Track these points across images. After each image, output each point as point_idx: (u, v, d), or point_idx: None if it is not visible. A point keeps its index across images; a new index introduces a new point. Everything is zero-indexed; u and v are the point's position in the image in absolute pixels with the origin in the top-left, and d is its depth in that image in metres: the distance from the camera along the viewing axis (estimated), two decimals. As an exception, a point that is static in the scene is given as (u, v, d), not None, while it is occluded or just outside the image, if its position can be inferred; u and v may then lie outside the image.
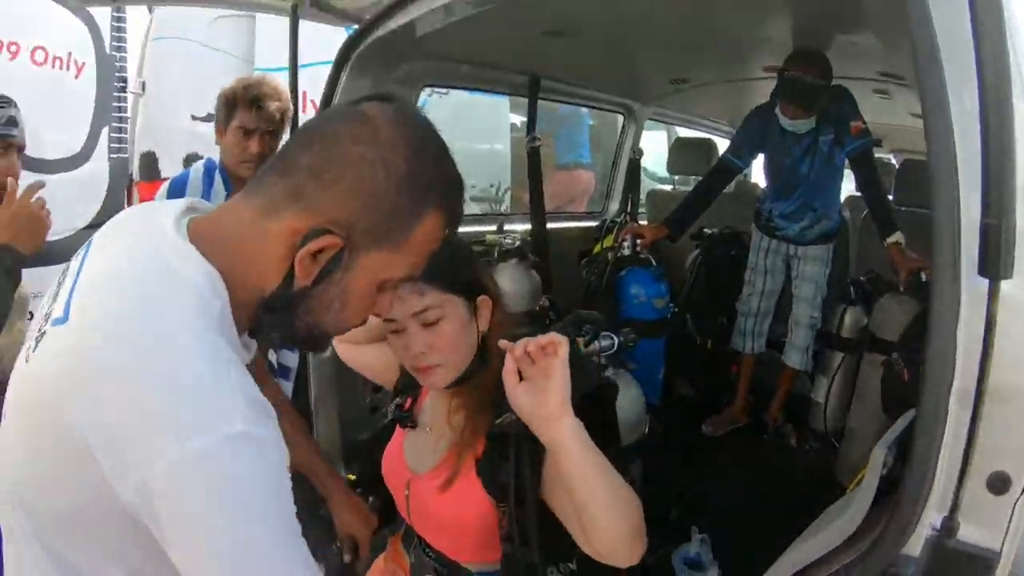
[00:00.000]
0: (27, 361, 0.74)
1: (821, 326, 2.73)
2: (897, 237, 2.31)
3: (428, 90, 2.93)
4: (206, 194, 2.03)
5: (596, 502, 0.95)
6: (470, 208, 3.48)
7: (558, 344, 0.93)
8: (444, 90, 3.45)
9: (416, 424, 1.34)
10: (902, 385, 1.97)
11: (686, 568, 2.00)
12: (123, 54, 2.95)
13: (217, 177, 2.08)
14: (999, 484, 0.79)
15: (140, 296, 0.68)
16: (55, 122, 2.57)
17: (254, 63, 3.60)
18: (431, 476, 1.23)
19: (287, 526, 0.70)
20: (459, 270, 1.16)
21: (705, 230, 3.08)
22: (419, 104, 2.57)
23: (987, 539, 0.81)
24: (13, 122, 1.56)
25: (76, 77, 2.61)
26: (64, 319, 0.69)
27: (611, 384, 1.36)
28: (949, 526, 0.80)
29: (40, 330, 0.74)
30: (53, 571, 0.77)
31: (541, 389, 0.93)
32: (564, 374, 0.93)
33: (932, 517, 0.81)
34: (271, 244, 0.72)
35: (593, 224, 3.35)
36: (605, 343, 1.39)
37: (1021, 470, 0.79)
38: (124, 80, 3.06)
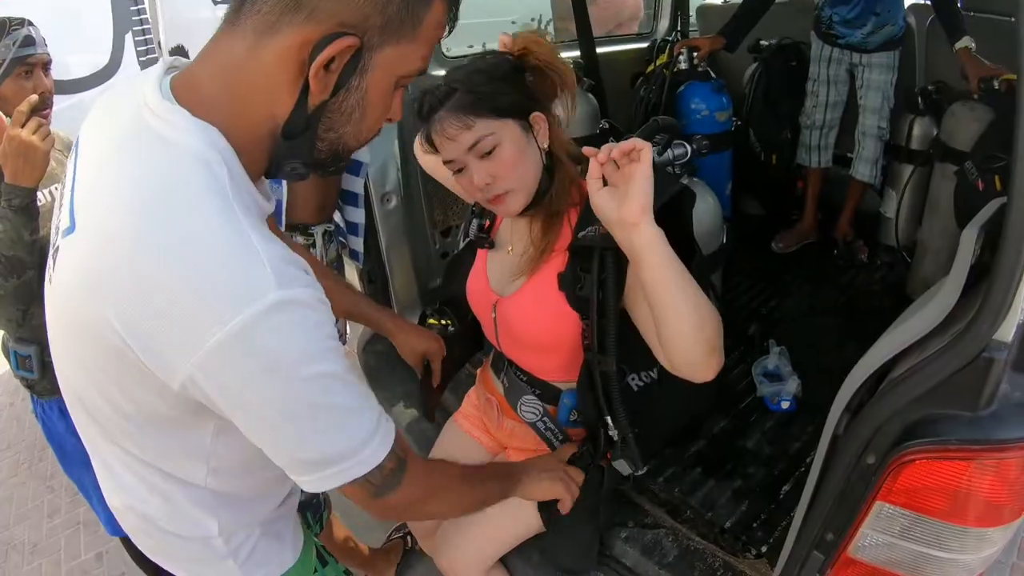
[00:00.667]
0: (50, 281, 0.74)
1: (889, 138, 2.63)
2: (967, 42, 2.20)
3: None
4: None
5: (676, 313, 0.97)
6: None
7: (641, 149, 0.92)
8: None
9: (494, 244, 1.39)
10: (976, 194, 1.94)
11: (766, 380, 2.06)
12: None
13: None
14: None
15: (139, 186, 0.64)
16: (75, 40, 2.54)
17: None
18: (517, 295, 1.29)
19: (340, 371, 0.70)
20: (502, 92, 1.15)
21: (762, 42, 2.93)
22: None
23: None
24: (30, 40, 1.51)
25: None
26: (72, 228, 0.67)
27: (688, 192, 1.36)
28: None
29: (55, 245, 0.73)
30: (140, 468, 0.83)
31: (623, 195, 0.93)
32: (648, 179, 0.92)
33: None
34: (277, 67, 0.66)
35: (644, 45, 3.22)
36: (679, 151, 1.33)
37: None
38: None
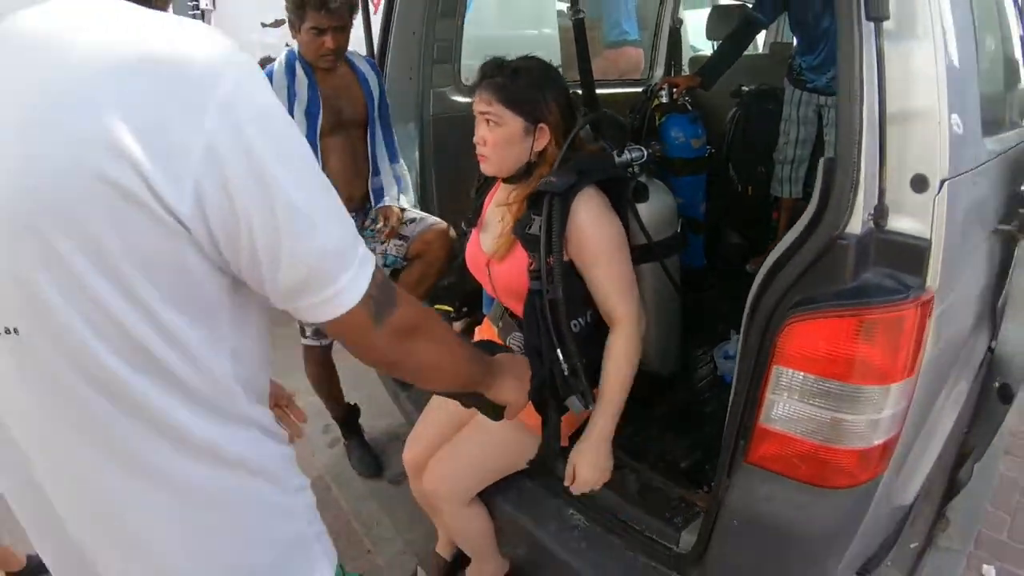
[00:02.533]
0: None
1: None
2: None
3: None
4: (290, 85, 2.18)
5: None
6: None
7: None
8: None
9: (475, 223, 1.76)
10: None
11: (724, 360, 2.34)
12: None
13: (298, 67, 2.20)
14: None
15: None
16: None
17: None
18: (502, 259, 1.62)
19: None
20: (522, 96, 1.51)
21: (743, 88, 3.32)
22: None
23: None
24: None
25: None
26: None
27: (641, 185, 1.73)
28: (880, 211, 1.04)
29: None
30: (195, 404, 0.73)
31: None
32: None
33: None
34: None
35: (639, 90, 3.61)
36: (635, 154, 1.72)
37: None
38: (196, -1, 3.26)
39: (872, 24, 1.00)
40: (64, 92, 0.59)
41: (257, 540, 0.84)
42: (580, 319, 1.55)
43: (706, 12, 4.87)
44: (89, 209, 0.60)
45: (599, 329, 1.57)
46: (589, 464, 1.54)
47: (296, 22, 2.15)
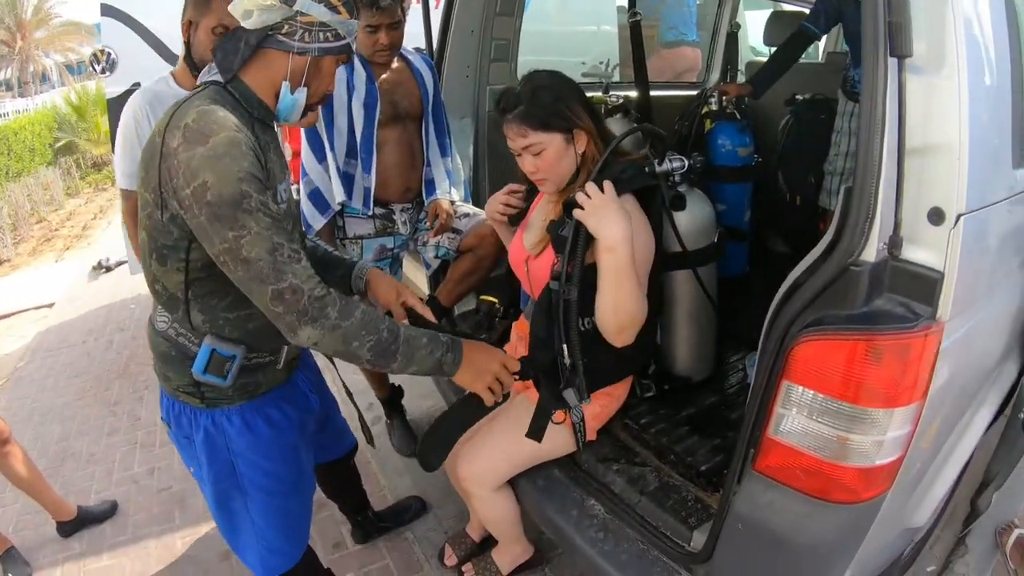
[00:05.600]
0: None
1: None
2: None
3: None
4: (349, 78, 2.25)
5: (602, 292, 1.48)
6: (581, 80, 3.83)
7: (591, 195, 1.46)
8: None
9: (517, 221, 1.87)
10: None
11: (752, 368, 2.33)
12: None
13: (356, 61, 2.26)
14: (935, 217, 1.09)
15: None
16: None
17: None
18: (542, 256, 1.71)
19: None
20: (550, 112, 1.59)
21: (797, 96, 3.30)
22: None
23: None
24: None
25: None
26: None
27: (679, 195, 1.78)
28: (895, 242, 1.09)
29: None
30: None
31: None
32: (593, 216, 1.45)
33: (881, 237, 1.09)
34: None
35: (694, 93, 3.62)
36: (676, 164, 1.77)
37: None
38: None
39: (896, 60, 1.04)
40: None
41: None
42: (589, 320, 1.61)
43: (768, 12, 4.88)
44: None
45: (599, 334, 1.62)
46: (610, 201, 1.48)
47: None
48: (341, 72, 2.23)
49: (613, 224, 1.43)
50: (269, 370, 1.53)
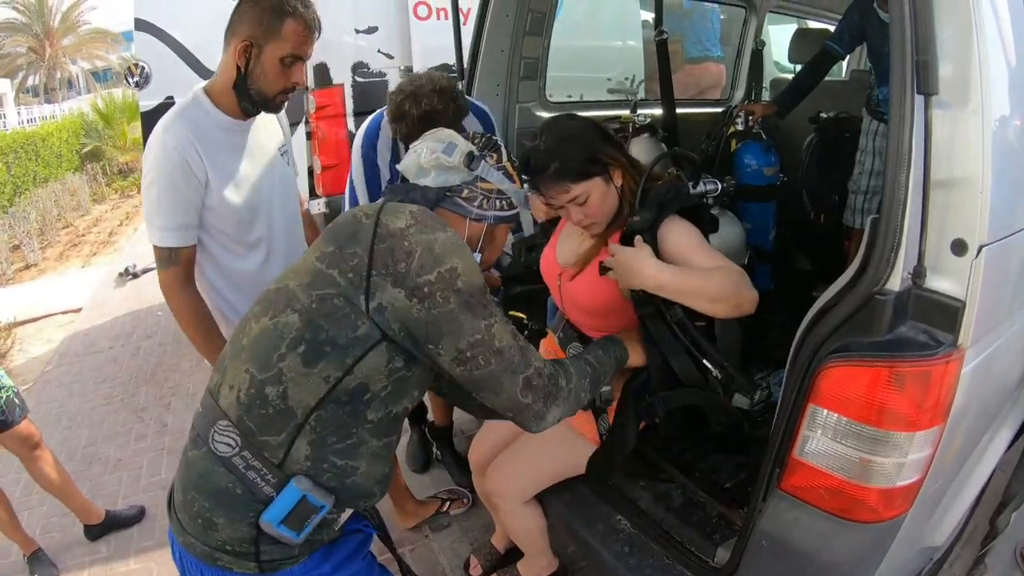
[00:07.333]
0: None
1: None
2: None
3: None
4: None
5: (693, 303, 1.44)
6: (608, 96, 3.89)
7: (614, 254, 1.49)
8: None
9: (549, 235, 1.86)
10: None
11: (777, 387, 2.33)
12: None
13: None
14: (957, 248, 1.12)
15: None
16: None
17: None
18: (581, 276, 1.71)
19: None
20: (589, 164, 1.57)
21: (821, 115, 3.33)
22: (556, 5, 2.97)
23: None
24: None
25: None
26: None
27: (713, 218, 1.80)
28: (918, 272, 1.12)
29: None
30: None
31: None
32: (622, 267, 1.46)
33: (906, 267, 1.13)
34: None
35: (719, 110, 3.66)
36: (710, 187, 1.80)
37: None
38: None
39: (923, 97, 1.08)
40: None
41: None
42: (697, 317, 1.59)
43: (793, 28, 4.91)
44: None
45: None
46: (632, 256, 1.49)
47: None
48: (387, 129, 2.23)
49: (637, 275, 1.45)
50: (331, 527, 1.25)
